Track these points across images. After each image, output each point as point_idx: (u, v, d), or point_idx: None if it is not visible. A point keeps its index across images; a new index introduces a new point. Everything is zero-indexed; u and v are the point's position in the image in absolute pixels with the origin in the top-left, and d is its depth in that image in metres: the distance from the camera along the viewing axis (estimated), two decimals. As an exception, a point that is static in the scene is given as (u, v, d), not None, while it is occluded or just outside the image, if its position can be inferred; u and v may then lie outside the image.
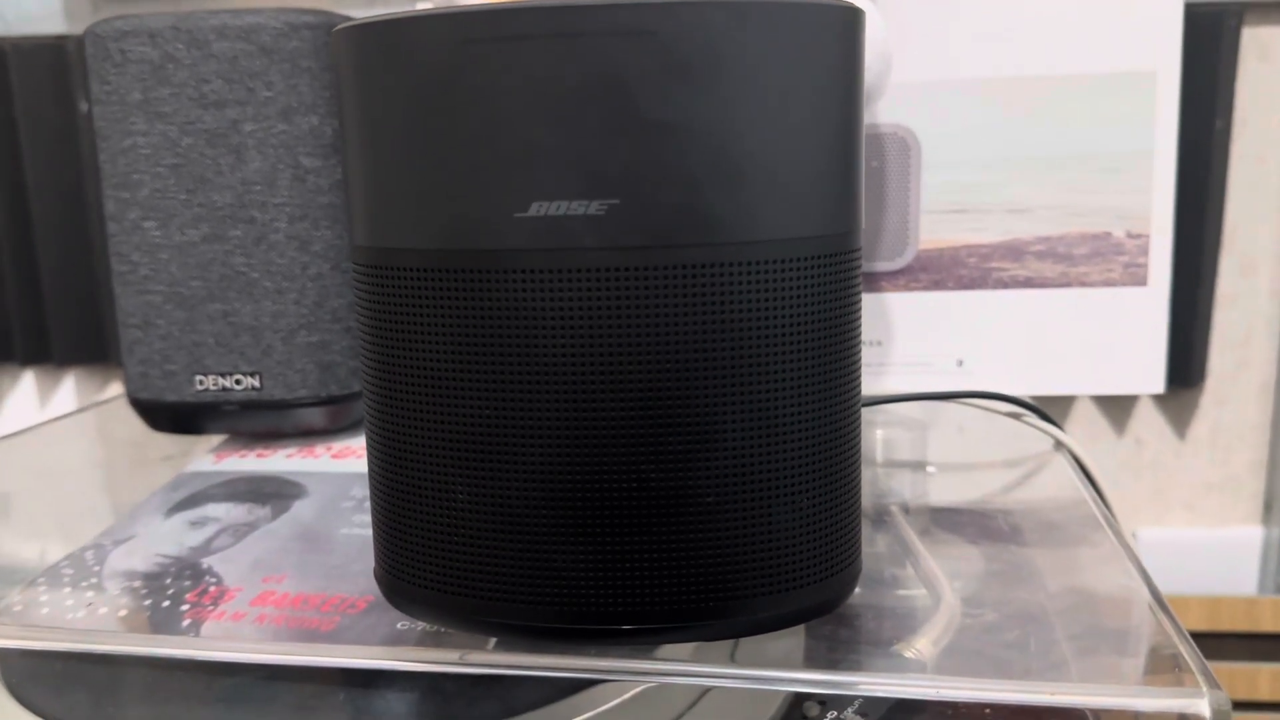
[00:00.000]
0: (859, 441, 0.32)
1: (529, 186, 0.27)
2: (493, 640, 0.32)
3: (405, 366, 0.30)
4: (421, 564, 0.30)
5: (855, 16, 0.29)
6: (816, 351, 0.29)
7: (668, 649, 0.32)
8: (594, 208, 0.27)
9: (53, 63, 0.89)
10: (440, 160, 0.28)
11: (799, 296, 0.29)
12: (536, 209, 0.27)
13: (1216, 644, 0.86)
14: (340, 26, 0.29)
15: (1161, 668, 0.31)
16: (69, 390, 0.98)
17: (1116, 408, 0.89)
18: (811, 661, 0.31)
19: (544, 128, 0.27)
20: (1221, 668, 0.85)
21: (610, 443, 0.28)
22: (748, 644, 0.32)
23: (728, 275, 0.28)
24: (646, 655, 0.31)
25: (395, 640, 0.34)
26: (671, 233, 0.27)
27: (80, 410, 0.67)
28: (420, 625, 0.34)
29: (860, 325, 0.31)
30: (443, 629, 0.34)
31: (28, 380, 0.98)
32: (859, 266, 0.31)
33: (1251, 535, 0.88)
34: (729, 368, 0.28)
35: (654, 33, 0.26)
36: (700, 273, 0.27)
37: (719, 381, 0.28)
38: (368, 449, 0.32)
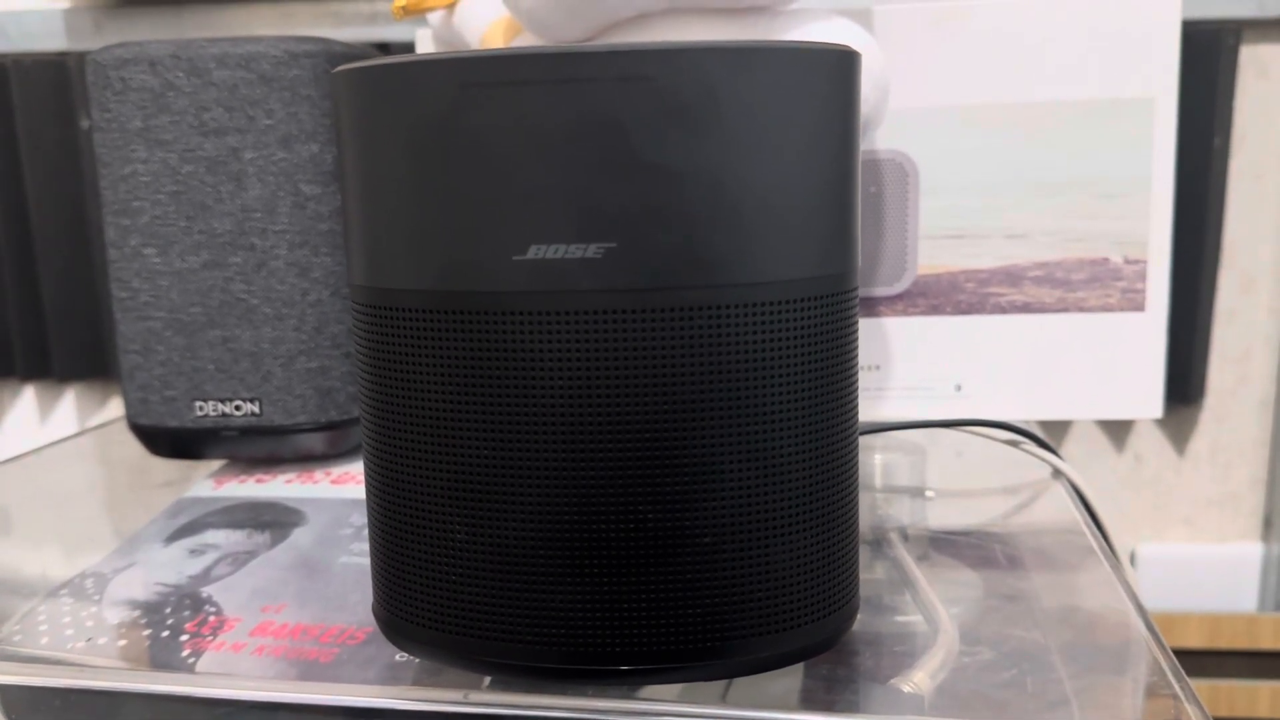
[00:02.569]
0: (856, 479, 0.32)
1: (527, 230, 0.27)
2: (487, 679, 0.33)
3: (403, 406, 0.30)
4: (419, 602, 0.31)
5: (850, 60, 0.29)
6: (814, 391, 0.29)
7: (655, 689, 0.32)
8: (592, 251, 0.27)
9: (54, 79, 0.89)
10: (438, 203, 0.28)
11: (796, 337, 0.29)
12: (534, 252, 0.27)
13: (1216, 662, 0.86)
14: (339, 69, 0.30)
15: (1159, 707, 0.31)
16: (69, 406, 0.98)
17: (1116, 424, 0.89)
18: (809, 702, 0.31)
19: (542, 172, 0.27)
20: (1221, 686, 0.85)
21: (608, 483, 0.28)
22: (743, 684, 0.32)
23: (725, 317, 0.28)
24: (639, 696, 0.31)
25: (393, 673, 0.34)
26: (668, 275, 0.27)
27: (80, 433, 0.67)
28: (418, 660, 0.34)
29: (857, 363, 0.31)
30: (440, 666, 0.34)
31: (28, 395, 0.98)
32: (856, 305, 0.31)
33: (1251, 551, 0.89)
34: (726, 409, 0.28)
35: (651, 78, 0.26)
36: (697, 315, 0.28)
37: (716, 422, 0.28)
38: (366, 486, 0.32)
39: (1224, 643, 0.85)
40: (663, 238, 0.27)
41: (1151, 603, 0.88)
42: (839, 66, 0.29)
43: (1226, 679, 0.86)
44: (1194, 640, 0.85)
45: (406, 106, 0.28)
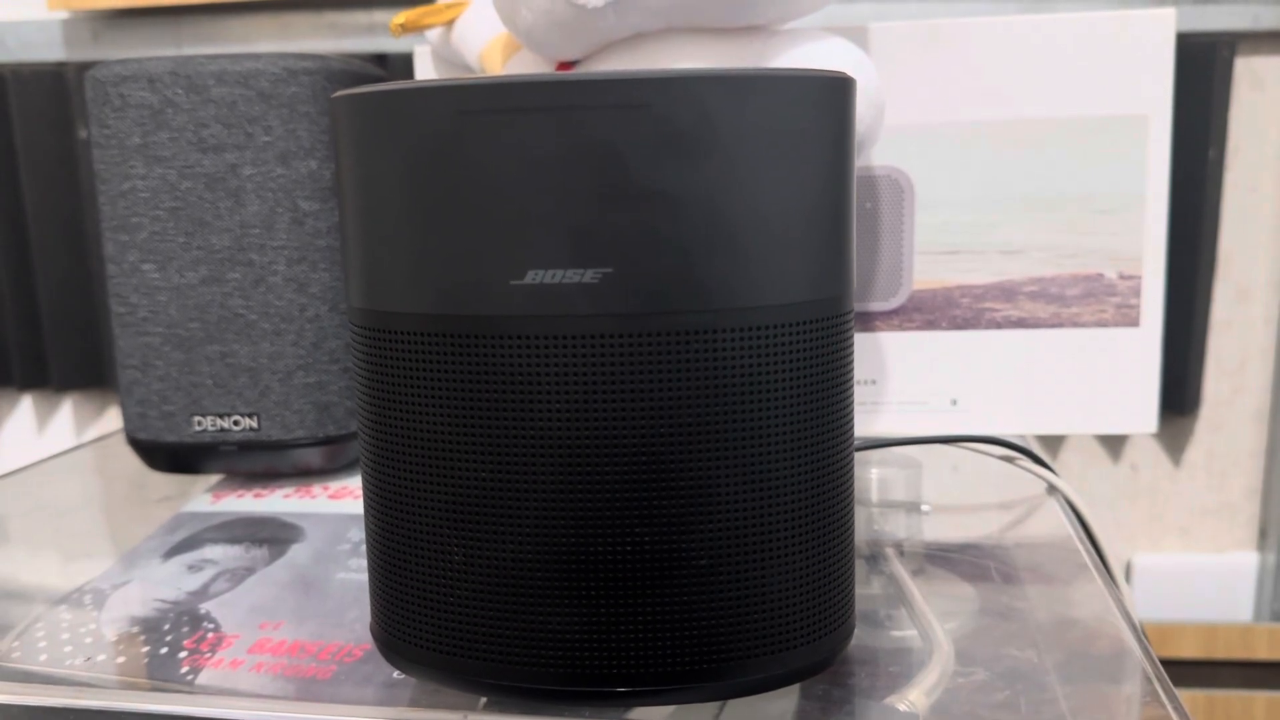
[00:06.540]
0: (852, 500, 0.32)
1: (524, 255, 0.28)
2: (484, 699, 0.33)
3: (401, 428, 0.30)
4: (417, 623, 0.31)
5: (845, 86, 0.29)
6: (809, 414, 0.29)
7: (650, 710, 0.32)
8: (588, 276, 0.27)
9: (52, 89, 0.89)
10: (437, 228, 0.28)
11: (792, 360, 0.29)
12: (532, 277, 0.28)
13: (1212, 672, 0.86)
14: (338, 95, 0.30)
15: (1151, 726, 0.31)
16: (67, 415, 0.98)
17: (1113, 435, 0.89)
18: (804, 722, 0.32)
19: (539, 198, 0.27)
20: (1217, 696, 0.85)
21: (604, 506, 0.28)
22: (738, 705, 0.32)
23: (721, 341, 0.28)
24: (634, 717, 0.32)
25: (391, 691, 0.34)
26: (665, 300, 0.28)
27: (79, 446, 0.67)
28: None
29: (853, 384, 0.32)
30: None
31: (25, 405, 0.98)
32: (851, 327, 0.31)
33: (1247, 561, 0.89)
34: (722, 432, 0.28)
35: (647, 106, 0.27)
36: (693, 339, 0.28)
37: (712, 446, 0.28)
38: (365, 507, 0.33)
39: (1219, 653, 0.85)
40: (659, 263, 0.27)
41: (1147, 613, 0.88)
42: (834, 93, 0.29)
43: (1222, 689, 0.86)
44: (1190, 650, 0.86)
45: (404, 133, 0.28)
